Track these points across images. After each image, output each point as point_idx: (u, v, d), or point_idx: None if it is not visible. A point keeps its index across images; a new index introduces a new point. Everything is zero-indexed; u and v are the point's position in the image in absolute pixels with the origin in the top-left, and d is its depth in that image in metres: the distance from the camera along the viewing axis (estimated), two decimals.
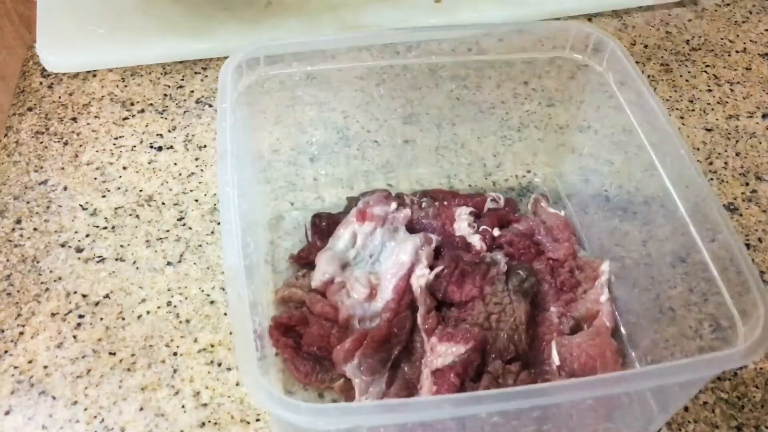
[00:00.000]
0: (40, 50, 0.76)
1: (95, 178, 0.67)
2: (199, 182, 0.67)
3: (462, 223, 0.61)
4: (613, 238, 0.60)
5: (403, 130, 0.67)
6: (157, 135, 0.70)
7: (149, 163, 0.68)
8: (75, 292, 0.59)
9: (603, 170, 0.63)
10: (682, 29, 0.85)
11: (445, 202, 0.63)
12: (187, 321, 0.57)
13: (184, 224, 0.64)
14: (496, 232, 0.61)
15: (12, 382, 0.54)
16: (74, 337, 0.56)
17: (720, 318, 0.46)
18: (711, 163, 0.71)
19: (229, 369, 0.55)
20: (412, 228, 0.61)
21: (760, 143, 0.73)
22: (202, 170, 0.68)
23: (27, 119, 0.71)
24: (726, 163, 0.71)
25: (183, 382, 0.54)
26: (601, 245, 0.61)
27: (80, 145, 0.69)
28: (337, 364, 0.53)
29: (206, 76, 0.76)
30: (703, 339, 0.49)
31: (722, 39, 0.84)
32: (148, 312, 0.58)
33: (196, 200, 0.65)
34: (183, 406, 0.53)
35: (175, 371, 0.55)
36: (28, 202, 0.64)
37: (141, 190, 0.66)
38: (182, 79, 0.76)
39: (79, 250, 0.61)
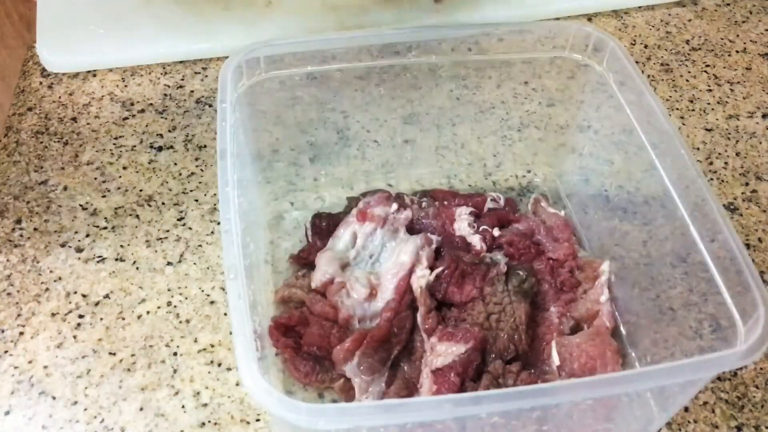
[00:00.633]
0: (40, 50, 0.76)
1: (95, 178, 0.67)
2: (199, 182, 0.67)
3: (462, 223, 0.61)
4: (613, 238, 0.60)
5: (403, 130, 0.67)
6: (157, 135, 0.70)
7: (149, 163, 0.68)
8: (75, 292, 0.59)
9: (603, 170, 0.63)
10: (682, 29, 0.85)
11: (445, 202, 0.63)
12: (187, 321, 0.57)
13: (184, 224, 0.64)
14: (496, 232, 0.61)
15: (12, 382, 0.54)
16: (74, 337, 0.56)
17: (720, 318, 0.46)
18: (711, 163, 0.71)
19: (229, 369, 0.55)
20: (412, 228, 0.61)
21: (760, 143, 0.73)
22: (202, 170, 0.68)
23: (27, 119, 0.71)
24: (726, 163, 0.71)
25: (183, 382, 0.54)
26: (601, 245, 0.61)
27: (80, 145, 0.69)
28: (337, 364, 0.53)
29: (206, 76, 0.76)
30: (703, 339, 0.49)
31: (722, 39, 0.84)
32: (148, 312, 0.58)
33: (196, 200, 0.65)
34: (183, 406, 0.53)
35: (175, 371, 0.55)
36: (28, 202, 0.64)
37: (141, 190, 0.66)
38: (182, 79, 0.76)
39: (79, 250, 0.61)
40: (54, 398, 0.53)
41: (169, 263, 0.61)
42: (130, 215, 0.64)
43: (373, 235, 0.59)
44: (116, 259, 0.61)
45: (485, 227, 0.61)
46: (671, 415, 0.53)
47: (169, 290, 0.59)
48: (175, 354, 0.55)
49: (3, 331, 0.56)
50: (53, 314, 0.57)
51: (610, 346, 0.54)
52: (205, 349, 0.56)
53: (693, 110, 0.76)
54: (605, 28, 0.83)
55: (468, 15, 0.81)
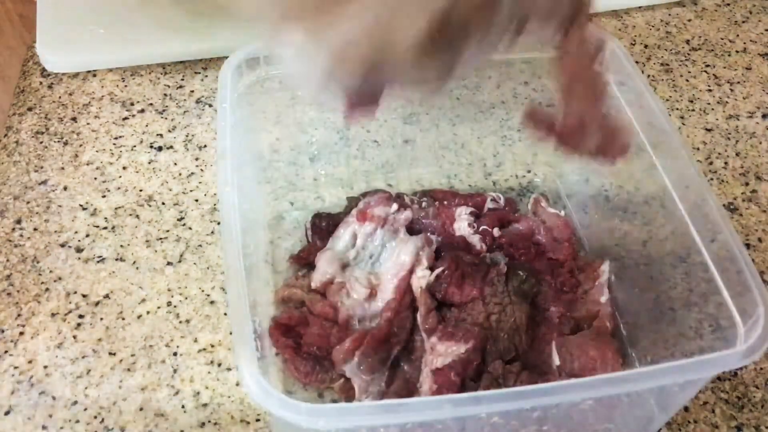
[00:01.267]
0: (40, 50, 0.75)
1: (95, 178, 0.67)
2: (199, 182, 0.67)
3: (462, 223, 0.61)
4: (613, 238, 0.60)
5: (403, 130, 0.67)
6: (157, 135, 0.70)
7: (149, 163, 0.68)
8: (75, 292, 0.59)
9: (603, 170, 0.63)
10: (682, 29, 0.85)
11: (445, 202, 0.63)
12: (187, 321, 0.57)
13: (184, 224, 0.64)
14: (496, 232, 0.61)
15: (12, 382, 0.54)
16: (74, 337, 0.56)
17: (720, 318, 0.46)
18: (711, 163, 0.71)
19: (229, 369, 0.55)
20: (412, 228, 0.61)
21: (760, 143, 0.73)
22: (202, 170, 0.68)
23: (27, 119, 0.71)
24: (726, 163, 0.71)
25: (183, 382, 0.54)
26: (601, 245, 0.61)
27: (80, 145, 0.69)
28: (336, 364, 0.53)
29: (206, 76, 0.76)
30: (703, 339, 0.49)
31: (722, 39, 0.84)
32: (148, 312, 0.58)
33: (196, 200, 0.65)
34: (183, 406, 0.53)
35: (175, 371, 0.55)
36: (28, 202, 0.64)
37: (141, 190, 0.66)
38: (182, 79, 0.76)
39: (79, 250, 0.61)
40: (54, 398, 0.53)
41: (169, 263, 0.61)
42: (130, 215, 0.64)
43: (373, 236, 0.59)
44: (116, 259, 0.61)
45: (485, 227, 0.61)
46: (671, 415, 0.53)
47: (169, 290, 0.59)
48: (175, 354, 0.55)
49: (3, 331, 0.56)
50: (53, 314, 0.57)
51: (610, 347, 0.54)
52: (205, 349, 0.56)
53: (693, 110, 0.76)
54: (605, 28, 0.83)
55: None
